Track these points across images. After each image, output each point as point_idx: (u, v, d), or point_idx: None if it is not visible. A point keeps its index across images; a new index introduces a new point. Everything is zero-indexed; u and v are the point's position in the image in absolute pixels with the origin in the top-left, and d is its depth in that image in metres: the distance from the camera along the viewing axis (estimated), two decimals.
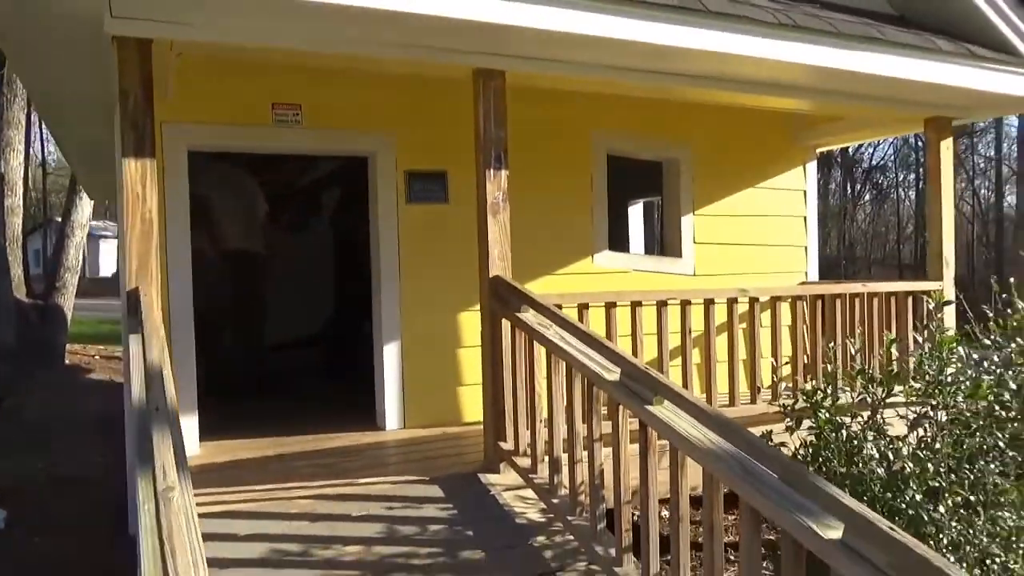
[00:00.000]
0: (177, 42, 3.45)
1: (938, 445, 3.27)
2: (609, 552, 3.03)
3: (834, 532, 2.01)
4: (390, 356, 4.97)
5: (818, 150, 6.68)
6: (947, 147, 5.41)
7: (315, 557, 3.09)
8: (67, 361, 10.79)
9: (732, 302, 4.62)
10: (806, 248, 6.51)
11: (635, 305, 4.35)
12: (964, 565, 2.88)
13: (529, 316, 3.61)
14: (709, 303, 4.57)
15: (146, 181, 3.25)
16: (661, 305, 4.44)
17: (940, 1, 4.90)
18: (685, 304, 4.50)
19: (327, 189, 8.13)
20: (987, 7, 4.79)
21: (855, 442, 3.28)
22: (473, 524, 3.42)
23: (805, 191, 6.52)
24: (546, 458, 3.53)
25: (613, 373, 2.98)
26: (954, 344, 3.37)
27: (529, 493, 3.64)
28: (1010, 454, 3.16)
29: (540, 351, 3.55)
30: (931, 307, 4.70)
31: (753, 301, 4.70)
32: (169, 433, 2.05)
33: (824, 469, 3.33)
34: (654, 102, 5.45)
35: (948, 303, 4.79)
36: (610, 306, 4.27)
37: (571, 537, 3.28)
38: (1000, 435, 3.16)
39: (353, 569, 3.01)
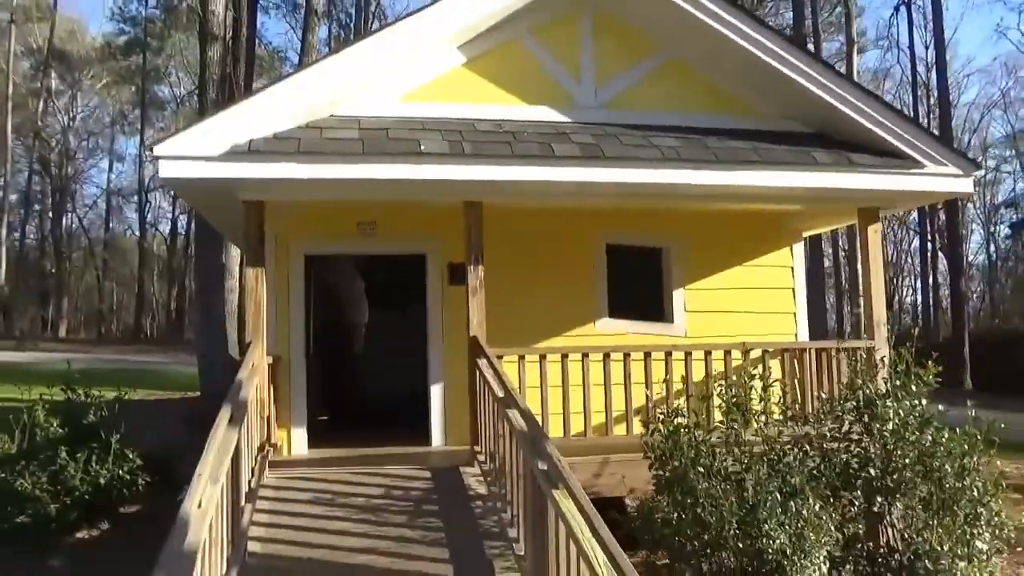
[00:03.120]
0: (281, 200, 5.94)
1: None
2: (504, 506, 4.86)
3: (544, 465, 3.82)
4: (436, 394, 7.06)
5: (804, 234, 8.01)
6: (875, 231, 6.67)
7: (340, 501, 5.21)
8: None
9: (647, 355, 6.23)
10: (795, 315, 7.81)
11: (584, 356, 6.13)
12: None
13: (484, 363, 5.57)
14: (626, 356, 6.22)
15: (258, 279, 5.69)
16: (605, 356, 6.18)
17: (837, 119, 6.34)
18: (605, 356, 6.21)
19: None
20: (872, 124, 6.18)
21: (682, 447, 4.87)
22: (440, 493, 5.39)
23: (792, 267, 7.86)
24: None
25: (502, 392, 4.88)
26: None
27: (483, 478, 5.53)
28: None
29: (486, 386, 5.48)
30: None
31: (667, 354, 6.26)
32: (230, 409, 4.27)
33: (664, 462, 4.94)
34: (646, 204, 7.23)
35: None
36: (564, 356, 6.09)
37: (496, 502, 5.13)
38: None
39: (357, 507, 5.09)
